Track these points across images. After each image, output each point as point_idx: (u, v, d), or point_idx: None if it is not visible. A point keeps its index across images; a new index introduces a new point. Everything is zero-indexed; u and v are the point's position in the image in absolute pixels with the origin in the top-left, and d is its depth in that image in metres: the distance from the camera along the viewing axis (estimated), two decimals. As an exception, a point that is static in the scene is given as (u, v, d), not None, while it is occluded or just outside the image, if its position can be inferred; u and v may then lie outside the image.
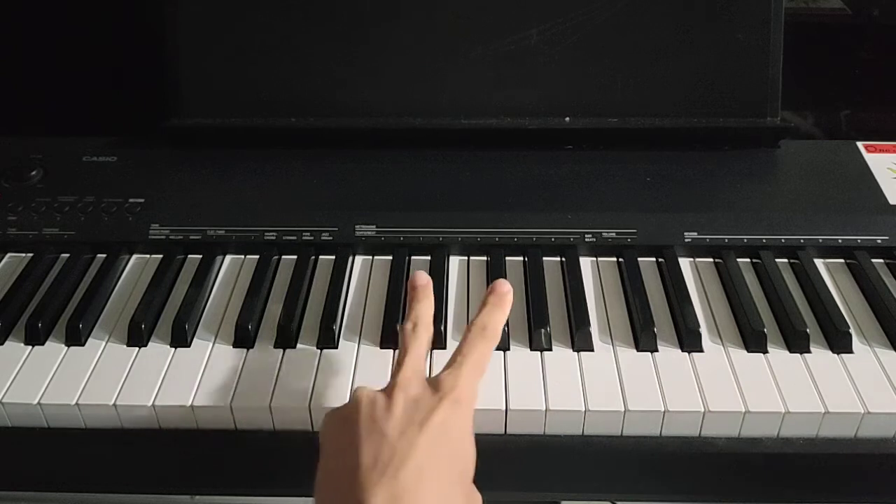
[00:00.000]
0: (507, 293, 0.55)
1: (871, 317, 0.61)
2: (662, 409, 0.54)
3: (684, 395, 0.54)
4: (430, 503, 0.43)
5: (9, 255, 0.68)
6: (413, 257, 0.67)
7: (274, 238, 0.67)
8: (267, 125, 0.74)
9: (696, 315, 0.60)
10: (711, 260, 0.67)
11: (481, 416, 0.52)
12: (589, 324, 0.59)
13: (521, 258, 0.67)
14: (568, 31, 0.72)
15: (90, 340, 0.60)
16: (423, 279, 0.56)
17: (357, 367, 0.57)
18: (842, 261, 0.67)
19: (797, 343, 0.58)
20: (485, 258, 0.67)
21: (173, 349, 0.59)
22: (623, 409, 0.54)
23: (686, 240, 0.66)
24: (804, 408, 0.53)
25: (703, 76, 0.72)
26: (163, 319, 0.62)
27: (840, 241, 0.66)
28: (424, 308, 0.54)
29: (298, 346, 0.59)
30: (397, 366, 0.50)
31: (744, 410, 0.53)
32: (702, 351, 0.58)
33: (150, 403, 0.54)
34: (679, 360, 0.57)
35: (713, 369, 0.56)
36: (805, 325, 0.58)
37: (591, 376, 0.56)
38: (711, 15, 0.71)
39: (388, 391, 0.48)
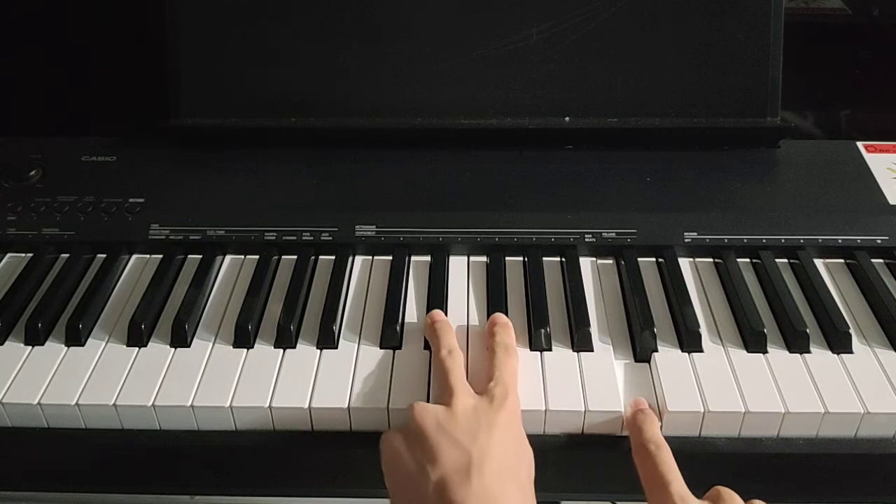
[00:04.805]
0: (507, 322, 0.59)
1: (871, 317, 0.61)
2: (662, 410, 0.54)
3: (684, 396, 0.54)
4: (514, 499, 0.47)
5: (9, 255, 0.68)
6: (413, 257, 0.67)
7: (274, 238, 0.67)
8: (267, 125, 0.74)
9: (696, 315, 0.60)
10: (711, 260, 0.67)
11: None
12: (589, 324, 0.59)
13: (521, 258, 0.67)
14: (568, 31, 0.72)
15: (90, 340, 0.60)
16: (440, 315, 0.59)
17: (357, 367, 0.57)
18: (842, 261, 0.66)
19: (797, 343, 0.58)
20: (485, 258, 0.67)
21: (173, 349, 0.59)
22: (623, 410, 0.54)
23: (686, 240, 0.66)
24: (804, 408, 0.53)
25: (703, 76, 0.72)
26: (163, 319, 0.62)
27: (840, 241, 0.66)
28: (451, 336, 0.57)
29: (298, 346, 0.59)
30: (443, 385, 0.53)
31: (744, 410, 0.53)
32: (702, 351, 0.58)
33: (150, 403, 0.54)
34: (679, 361, 0.57)
35: (713, 369, 0.56)
36: (805, 325, 0.58)
37: (590, 376, 0.56)
38: (711, 15, 0.71)
39: (445, 402, 0.51)
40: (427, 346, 0.59)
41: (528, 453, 0.51)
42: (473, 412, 0.50)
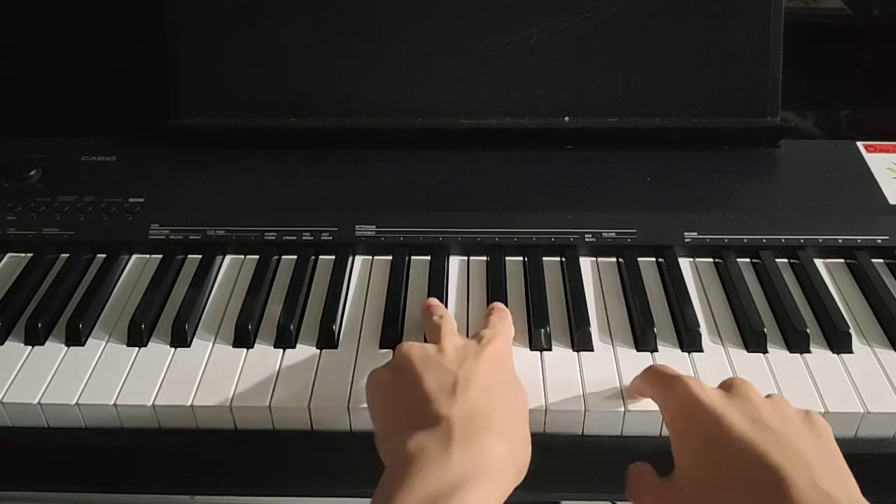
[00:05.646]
0: (504, 308, 0.59)
1: (871, 317, 0.61)
2: (662, 409, 0.54)
3: (684, 395, 0.54)
4: (499, 421, 0.46)
5: (9, 255, 0.68)
6: (413, 257, 0.67)
7: (274, 238, 0.67)
8: (267, 125, 0.74)
9: (696, 315, 0.60)
10: (711, 260, 0.67)
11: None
12: (589, 324, 0.59)
13: (521, 258, 0.67)
14: (568, 30, 0.72)
15: (90, 340, 0.60)
16: (435, 301, 0.60)
17: (357, 366, 0.57)
18: (842, 261, 0.67)
19: (797, 343, 0.58)
20: (485, 258, 0.67)
21: (173, 349, 0.59)
22: (623, 410, 0.54)
23: (686, 240, 0.66)
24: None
25: (703, 76, 0.72)
26: (163, 319, 0.61)
27: (840, 241, 0.66)
28: (441, 307, 0.58)
29: (298, 346, 0.59)
30: (433, 334, 0.54)
31: (744, 410, 0.53)
32: (702, 351, 0.58)
33: (150, 403, 0.54)
34: (679, 360, 0.57)
35: (713, 369, 0.56)
36: (805, 325, 0.58)
37: (590, 376, 0.56)
38: (711, 15, 0.71)
39: (434, 342, 0.52)
40: (427, 346, 0.59)
41: (520, 389, 0.51)
42: (462, 348, 0.51)
